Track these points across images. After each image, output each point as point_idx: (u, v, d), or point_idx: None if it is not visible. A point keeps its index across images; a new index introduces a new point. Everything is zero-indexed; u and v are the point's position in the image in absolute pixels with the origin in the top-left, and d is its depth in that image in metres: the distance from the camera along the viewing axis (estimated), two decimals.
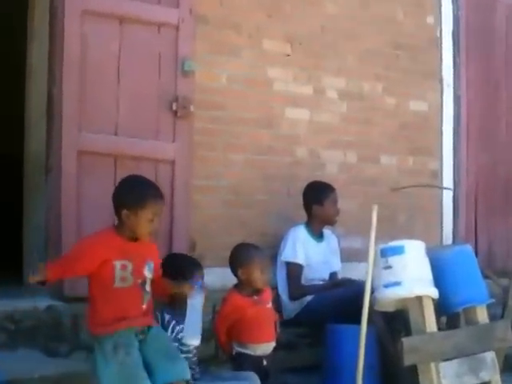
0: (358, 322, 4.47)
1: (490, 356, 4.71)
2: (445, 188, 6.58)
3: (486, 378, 4.67)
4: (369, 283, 4.41)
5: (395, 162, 6.40)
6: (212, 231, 5.30)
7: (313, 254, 5.41)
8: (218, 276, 4.66)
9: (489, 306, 4.89)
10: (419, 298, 4.51)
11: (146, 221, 3.63)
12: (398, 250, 4.57)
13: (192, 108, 4.96)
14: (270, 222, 5.59)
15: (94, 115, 4.68)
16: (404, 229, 6.26)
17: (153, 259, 3.74)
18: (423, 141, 6.59)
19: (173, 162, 4.92)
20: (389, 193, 6.19)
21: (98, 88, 4.69)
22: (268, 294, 4.37)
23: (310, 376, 4.84)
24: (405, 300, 4.56)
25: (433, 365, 4.40)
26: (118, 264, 3.58)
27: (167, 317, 3.95)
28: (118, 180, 4.61)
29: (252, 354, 4.22)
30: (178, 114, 4.90)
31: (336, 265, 5.63)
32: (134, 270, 3.62)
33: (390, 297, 4.54)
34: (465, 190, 6.87)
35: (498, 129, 7.15)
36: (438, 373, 4.39)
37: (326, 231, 5.63)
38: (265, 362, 4.25)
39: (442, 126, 6.72)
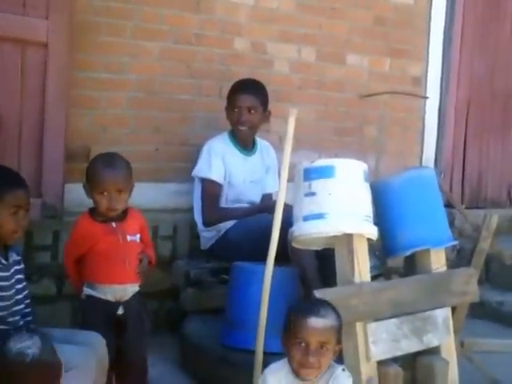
0: (284, 258, 3.63)
1: (442, 315, 3.65)
2: (424, 97, 5.48)
3: (435, 343, 3.62)
4: (279, 211, 3.37)
5: (366, 63, 5.45)
6: (114, 137, 4.33)
7: (237, 171, 4.34)
8: None
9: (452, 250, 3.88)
10: (349, 237, 3.43)
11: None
12: (326, 172, 3.45)
13: None
14: (193, 129, 4.60)
15: None
16: (373, 146, 5.42)
17: None
18: (404, 40, 5.62)
19: (45, 45, 3.86)
20: (356, 100, 5.36)
21: None
22: (136, 223, 3.33)
23: (214, 322, 3.83)
24: (332, 238, 3.50)
25: (359, 325, 3.35)
26: None
27: None
28: None
29: (102, 297, 3.25)
30: None
31: (271, 185, 4.52)
32: None
33: (310, 232, 3.44)
34: (454, 103, 5.95)
35: (501, 32, 6.23)
36: (365, 335, 3.35)
37: (263, 142, 4.54)
38: (121, 311, 3.28)
39: (429, 23, 5.76)
